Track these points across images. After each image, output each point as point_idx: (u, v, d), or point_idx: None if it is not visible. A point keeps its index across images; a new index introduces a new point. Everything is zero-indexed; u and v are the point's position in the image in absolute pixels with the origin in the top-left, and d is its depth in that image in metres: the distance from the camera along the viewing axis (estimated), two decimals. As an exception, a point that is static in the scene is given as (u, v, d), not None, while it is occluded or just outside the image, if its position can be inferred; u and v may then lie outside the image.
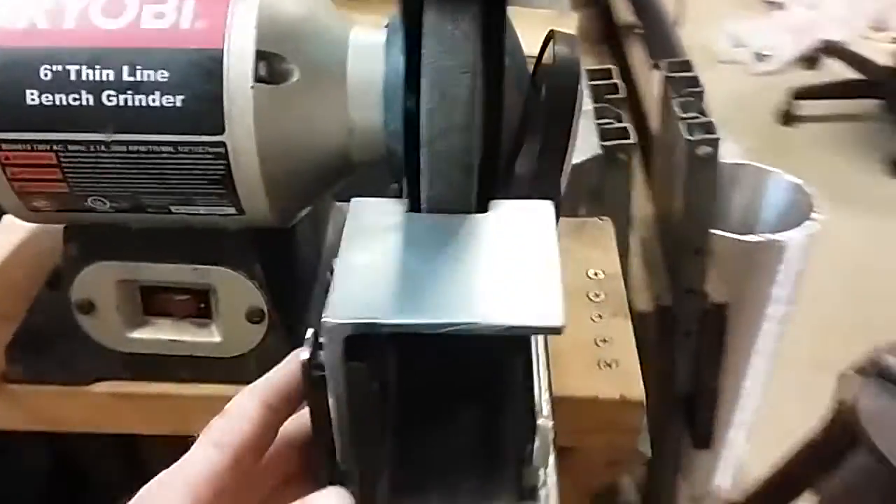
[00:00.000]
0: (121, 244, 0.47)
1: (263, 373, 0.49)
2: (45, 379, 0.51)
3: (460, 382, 0.42)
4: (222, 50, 0.39)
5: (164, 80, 0.39)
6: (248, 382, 0.50)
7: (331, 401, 0.35)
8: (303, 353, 0.38)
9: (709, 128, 0.91)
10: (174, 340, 0.49)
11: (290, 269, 0.51)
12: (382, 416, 0.39)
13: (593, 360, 0.53)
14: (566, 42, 0.40)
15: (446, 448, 0.41)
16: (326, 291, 0.34)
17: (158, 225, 0.45)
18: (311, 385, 0.39)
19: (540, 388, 0.42)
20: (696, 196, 0.97)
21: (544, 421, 0.39)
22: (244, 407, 0.37)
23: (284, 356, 0.49)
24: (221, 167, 0.40)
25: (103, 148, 0.40)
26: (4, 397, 0.52)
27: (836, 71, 2.46)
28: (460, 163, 0.37)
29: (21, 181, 0.42)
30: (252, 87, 0.39)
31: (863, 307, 1.66)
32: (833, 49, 2.51)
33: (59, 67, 0.39)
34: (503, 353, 0.44)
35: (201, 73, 0.39)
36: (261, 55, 0.39)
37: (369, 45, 0.42)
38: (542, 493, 0.39)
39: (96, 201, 0.43)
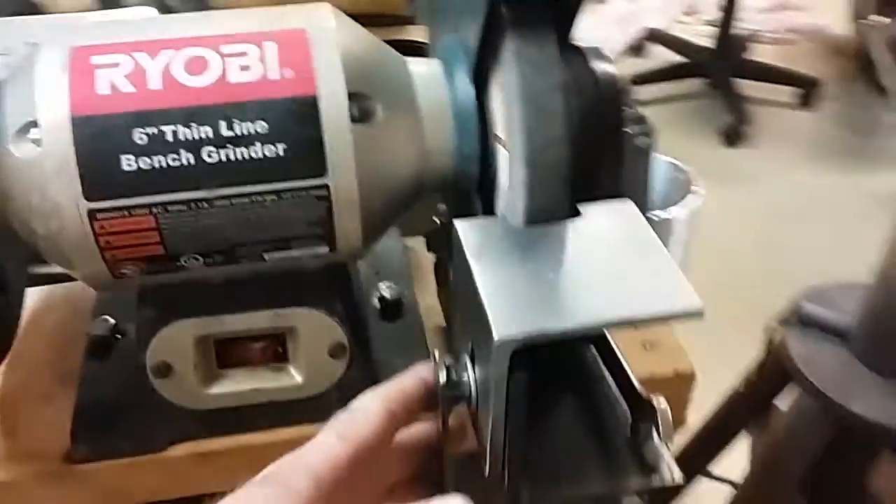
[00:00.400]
0: (200, 300, 0.46)
1: (344, 406, 0.50)
2: (118, 454, 0.49)
3: (557, 377, 0.45)
4: (315, 96, 0.40)
5: (264, 131, 0.39)
6: (327, 420, 0.51)
7: (490, 412, 0.38)
8: (440, 375, 0.40)
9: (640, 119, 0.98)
10: (255, 389, 0.49)
11: (356, 299, 0.52)
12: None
13: (637, 343, 0.58)
14: (597, 55, 0.44)
15: (561, 439, 0.44)
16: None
17: (242, 275, 0.45)
18: (446, 402, 0.41)
19: (631, 370, 0.46)
20: (629, 186, 1.04)
21: (661, 399, 0.43)
22: (369, 407, 0.39)
23: (366, 387, 0.50)
24: (323, 209, 0.41)
25: (205, 205, 0.40)
26: (70, 479, 0.50)
27: (661, 56, 2.64)
28: (560, 174, 0.40)
29: (114, 249, 0.41)
30: (350, 129, 0.40)
31: (742, 267, 1.82)
32: (656, 36, 2.71)
33: (154, 130, 0.39)
34: (586, 345, 0.47)
35: (299, 120, 0.40)
36: (351, 96, 0.41)
37: (430, 75, 0.45)
38: (663, 466, 0.42)
39: (190, 259, 0.42)
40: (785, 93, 2.41)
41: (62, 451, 0.50)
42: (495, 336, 0.34)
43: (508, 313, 0.35)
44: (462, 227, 0.40)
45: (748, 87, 2.39)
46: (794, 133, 2.35)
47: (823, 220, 1.96)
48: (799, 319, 0.88)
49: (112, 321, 0.54)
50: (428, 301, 0.58)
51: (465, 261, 0.39)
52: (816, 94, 2.39)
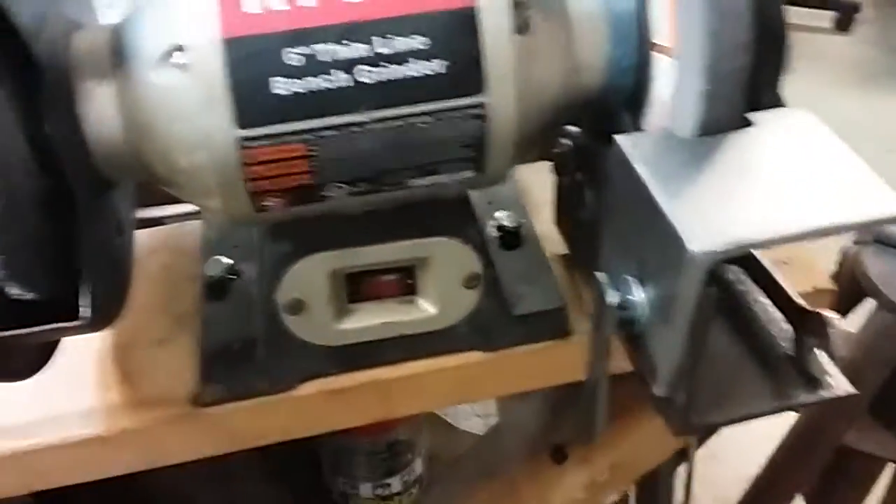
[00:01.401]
0: (334, 232, 0.44)
1: (476, 336, 0.49)
2: (250, 394, 0.48)
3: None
4: (474, 6, 0.37)
5: (420, 46, 0.37)
6: (460, 351, 0.50)
7: (676, 330, 0.36)
8: (610, 296, 0.38)
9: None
10: (386, 323, 0.48)
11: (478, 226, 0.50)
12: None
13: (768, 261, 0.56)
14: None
15: (723, 358, 0.43)
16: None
17: (379, 205, 0.43)
18: (613, 324, 0.39)
19: (787, 286, 0.44)
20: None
21: (827, 313, 0.41)
22: None
23: (500, 315, 0.49)
24: (478, 129, 0.39)
25: (358, 129, 0.38)
26: (199, 422, 0.49)
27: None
28: (740, 82, 0.38)
29: (261, 180, 0.39)
30: (511, 41, 0.38)
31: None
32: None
33: (307, 49, 0.36)
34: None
35: (458, 34, 0.37)
36: (511, 6, 0.38)
37: (581, -18, 0.42)
38: (829, 378, 0.41)
39: (335, 188, 0.40)
40: (822, 17, 2.35)
41: (188, 394, 0.49)
42: (695, 250, 0.33)
43: (700, 227, 0.34)
44: (625, 142, 0.38)
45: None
46: (831, 57, 2.30)
47: (862, 144, 1.94)
48: (875, 239, 0.87)
49: (227, 261, 0.52)
50: (540, 229, 0.56)
51: (635, 177, 0.37)
52: (854, 18, 2.33)
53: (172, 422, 0.48)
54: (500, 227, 0.54)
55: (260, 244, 0.49)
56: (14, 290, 0.38)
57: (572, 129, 0.49)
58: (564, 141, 0.49)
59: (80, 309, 0.39)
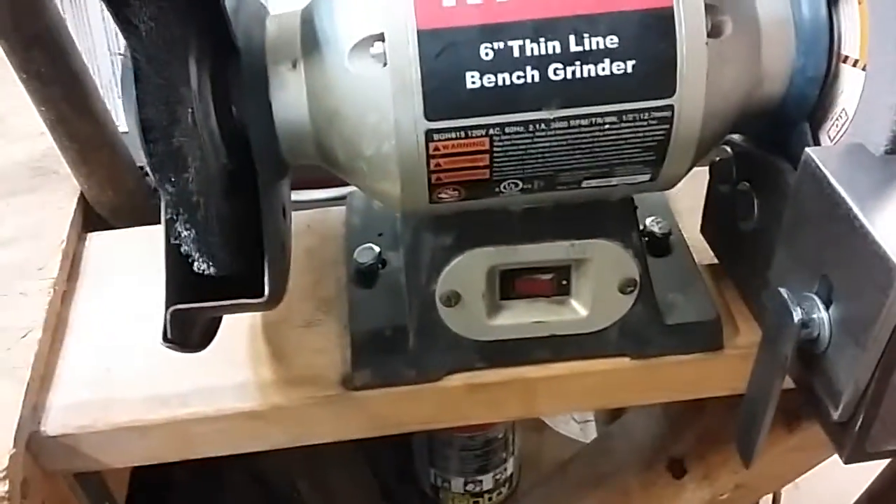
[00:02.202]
0: (498, 228, 0.44)
1: (626, 342, 0.48)
2: (398, 381, 0.49)
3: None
4: (671, 7, 0.37)
5: (614, 45, 0.37)
6: (608, 356, 0.50)
7: (865, 353, 0.35)
8: (795, 314, 0.37)
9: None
10: (537, 322, 0.48)
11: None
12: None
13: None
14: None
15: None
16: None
17: (545, 203, 0.43)
18: (795, 342, 0.38)
19: None
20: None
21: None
22: None
23: (652, 323, 0.48)
24: (662, 133, 0.39)
25: (543, 127, 0.38)
26: (347, 405, 0.50)
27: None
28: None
29: (442, 172, 0.39)
30: (706, 44, 0.37)
31: None
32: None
33: (501, 44, 0.36)
34: None
35: (653, 35, 0.37)
36: (707, 9, 0.37)
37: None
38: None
39: (510, 185, 0.40)
40: None
41: (338, 376, 0.50)
42: (898, 269, 0.31)
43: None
44: (818, 154, 0.37)
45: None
46: None
47: None
48: None
49: (377, 249, 0.53)
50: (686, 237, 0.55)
51: (830, 192, 0.36)
52: None
53: (322, 402, 0.49)
54: (650, 234, 0.53)
55: (412, 235, 0.49)
56: (202, 266, 0.39)
57: (734, 136, 0.48)
58: (724, 147, 0.48)
59: (264, 287, 0.40)
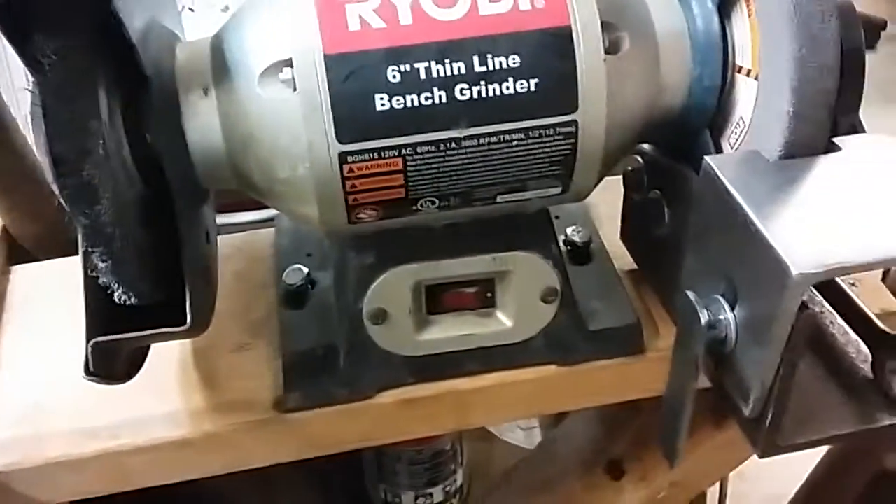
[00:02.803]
0: (420, 245, 0.45)
1: (551, 350, 0.50)
2: (330, 401, 0.49)
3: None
4: (570, 26, 0.38)
5: (516, 65, 0.38)
6: (535, 364, 0.51)
7: (768, 351, 0.37)
8: (702, 316, 0.39)
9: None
10: (464, 335, 0.49)
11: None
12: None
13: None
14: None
15: (805, 379, 0.43)
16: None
17: (463, 218, 0.44)
18: (704, 343, 0.40)
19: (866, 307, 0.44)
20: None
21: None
22: None
23: (575, 330, 0.49)
24: (568, 147, 0.40)
25: (453, 146, 0.39)
26: (280, 428, 0.50)
27: None
28: (828, 105, 0.38)
29: (357, 193, 0.40)
30: (604, 61, 0.39)
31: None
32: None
33: (408, 66, 0.37)
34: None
35: (553, 53, 0.38)
36: (604, 27, 0.39)
37: (665, 2, 0.43)
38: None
39: (426, 203, 0.41)
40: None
41: (270, 400, 0.50)
42: (797, 272, 0.33)
43: (801, 249, 0.34)
44: (714, 163, 0.39)
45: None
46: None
47: None
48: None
49: (306, 270, 0.53)
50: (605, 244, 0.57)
51: (728, 198, 0.38)
52: (880, 35, 2.31)
53: (255, 427, 0.49)
54: (570, 242, 0.54)
55: (339, 254, 0.50)
56: (122, 297, 0.39)
57: (644, 146, 0.50)
58: (635, 157, 0.50)
59: (186, 315, 0.40)
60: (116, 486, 0.50)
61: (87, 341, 0.39)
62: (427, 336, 0.48)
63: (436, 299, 0.48)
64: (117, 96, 0.38)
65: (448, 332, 0.49)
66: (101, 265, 0.38)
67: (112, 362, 0.41)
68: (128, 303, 0.40)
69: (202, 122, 0.40)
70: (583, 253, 0.54)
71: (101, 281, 0.39)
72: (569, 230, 0.55)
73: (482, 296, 0.48)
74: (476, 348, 0.49)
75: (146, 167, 0.40)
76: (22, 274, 0.59)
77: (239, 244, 0.60)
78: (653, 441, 0.68)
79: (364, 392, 0.49)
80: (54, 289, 0.57)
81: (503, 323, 0.49)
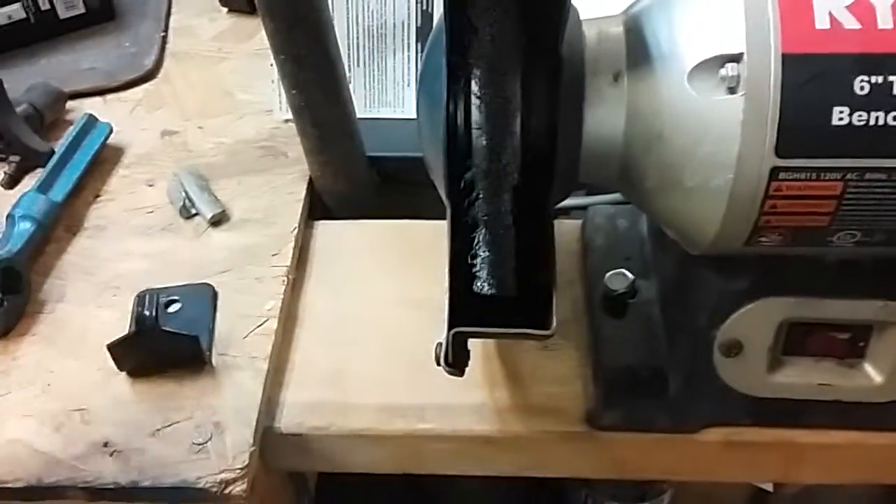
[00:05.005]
0: (805, 278, 0.39)
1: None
2: (650, 427, 0.45)
3: None
4: None
5: None
6: (896, 430, 0.43)
7: None
8: None
9: None
10: (823, 385, 0.42)
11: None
12: None
13: None
14: None
15: None
16: None
17: (859, 256, 0.38)
18: None
19: None
20: None
21: None
22: None
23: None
24: None
25: (908, 175, 0.33)
26: (589, 443, 0.46)
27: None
28: None
29: (774, 214, 0.34)
30: None
31: None
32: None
33: (881, 78, 0.31)
34: None
35: None
36: None
37: None
38: None
39: (846, 235, 0.35)
40: None
41: (580, 411, 0.46)
42: None
43: None
44: None
45: None
46: None
47: None
48: None
49: (630, 276, 0.48)
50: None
51: None
52: None
53: (563, 438, 0.46)
54: None
55: (679, 269, 0.45)
56: (483, 287, 0.36)
57: None
58: None
59: (546, 318, 0.36)
60: (409, 467, 0.49)
61: (449, 330, 0.36)
62: (780, 378, 0.43)
63: (797, 339, 0.42)
64: (530, 75, 0.35)
65: (805, 377, 0.43)
66: (483, 254, 0.35)
67: (464, 353, 0.38)
68: (489, 293, 0.37)
69: (606, 111, 0.36)
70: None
71: (473, 270, 0.36)
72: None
73: (853, 344, 0.42)
74: (832, 401, 0.43)
75: (532, 152, 0.36)
76: (324, 230, 0.59)
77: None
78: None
79: (689, 425, 0.45)
80: (356, 250, 0.56)
81: (871, 378, 0.42)
